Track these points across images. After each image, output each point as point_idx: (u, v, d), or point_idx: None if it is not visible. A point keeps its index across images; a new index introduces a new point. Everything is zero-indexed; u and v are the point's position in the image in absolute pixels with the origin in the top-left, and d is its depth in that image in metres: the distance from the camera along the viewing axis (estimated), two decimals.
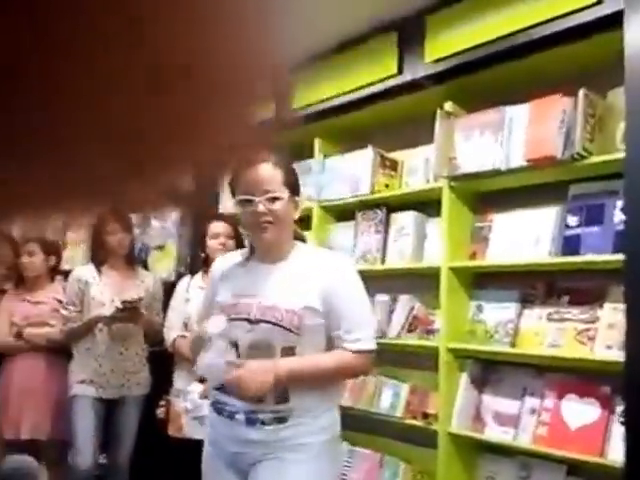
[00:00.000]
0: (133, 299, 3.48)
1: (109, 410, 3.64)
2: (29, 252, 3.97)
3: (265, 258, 2.04)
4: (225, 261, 2.18)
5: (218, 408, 2.03)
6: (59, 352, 3.79)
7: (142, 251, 4.80)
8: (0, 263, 4.24)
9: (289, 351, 1.93)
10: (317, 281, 1.95)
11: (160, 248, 4.87)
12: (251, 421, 1.93)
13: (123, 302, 3.46)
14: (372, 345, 2.00)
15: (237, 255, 2.16)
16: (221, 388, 2.02)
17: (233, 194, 2.04)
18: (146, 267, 4.57)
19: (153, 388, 3.71)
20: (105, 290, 3.61)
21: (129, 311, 3.47)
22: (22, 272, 3.98)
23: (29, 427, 3.72)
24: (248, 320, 1.95)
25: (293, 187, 2.02)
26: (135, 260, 3.93)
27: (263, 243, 2.02)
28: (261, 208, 1.95)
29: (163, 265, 4.75)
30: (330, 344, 1.99)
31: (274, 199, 1.95)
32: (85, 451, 3.52)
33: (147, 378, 3.72)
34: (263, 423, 1.92)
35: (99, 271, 3.68)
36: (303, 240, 2.18)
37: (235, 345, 1.97)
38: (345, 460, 3.43)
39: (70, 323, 3.61)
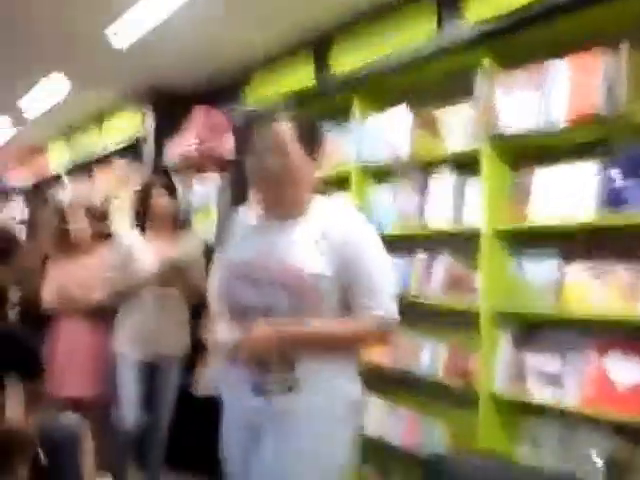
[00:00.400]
0: (177, 260, 3.52)
1: (151, 370, 3.72)
2: (76, 217, 4.06)
3: (279, 216, 1.96)
4: (242, 218, 2.10)
5: (227, 377, 1.98)
6: (104, 314, 3.87)
7: (185, 214, 4.84)
8: (48, 229, 4.34)
9: (297, 316, 1.83)
10: (333, 243, 1.86)
11: (202, 212, 4.94)
12: (258, 390, 1.87)
13: (167, 261, 3.51)
14: (391, 313, 1.89)
15: (254, 212, 2.07)
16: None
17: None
18: (189, 230, 4.62)
19: (194, 349, 3.73)
20: (150, 254, 3.68)
21: (173, 272, 3.52)
22: (69, 237, 4.06)
23: (74, 386, 3.83)
24: (256, 281, 1.88)
25: (309, 143, 1.95)
26: (179, 224, 3.97)
27: (273, 200, 1.96)
28: (275, 167, 1.90)
29: (205, 229, 4.79)
30: (344, 311, 1.89)
31: (283, 155, 1.90)
32: (128, 410, 3.64)
33: (188, 339, 3.77)
34: (270, 392, 1.85)
35: (144, 235, 3.75)
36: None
37: (243, 308, 1.90)
38: (385, 419, 3.44)
39: (115, 286, 3.68)
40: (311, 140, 1.96)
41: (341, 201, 2.10)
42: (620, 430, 2.58)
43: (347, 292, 1.87)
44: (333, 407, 1.88)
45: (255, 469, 1.90)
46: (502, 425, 2.94)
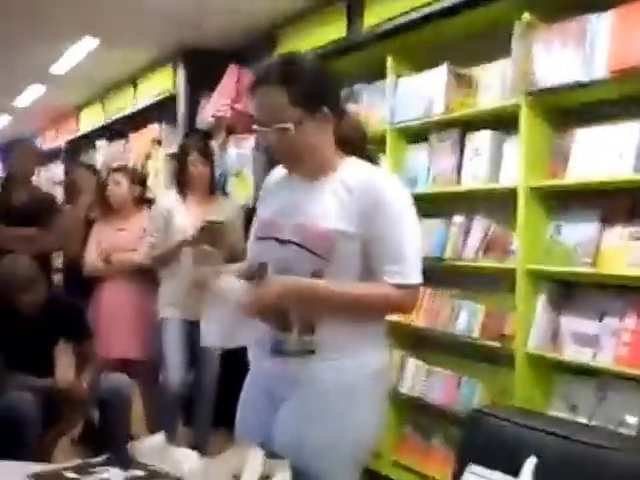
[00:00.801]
0: (215, 221, 3.55)
1: (195, 331, 3.72)
2: (115, 181, 4.09)
3: (305, 176, 1.81)
4: (272, 176, 1.98)
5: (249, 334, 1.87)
6: (146, 277, 3.95)
7: (221, 178, 4.85)
8: (86, 192, 4.38)
9: (317, 277, 1.72)
10: (358, 202, 1.71)
11: (237, 175, 4.92)
12: (277, 351, 1.76)
13: (205, 222, 3.53)
14: (415, 279, 1.73)
15: (281, 169, 1.93)
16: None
17: None
18: (225, 193, 4.64)
19: None
20: (188, 217, 3.72)
21: (211, 233, 3.52)
22: (109, 201, 4.10)
23: (120, 347, 3.92)
24: (278, 240, 1.77)
25: (310, 100, 1.71)
26: (215, 188, 4.01)
27: (290, 167, 1.84)
28: (272, 141, 1.74)
29: (241, 191, 4.79)
30: (367, 275, 1.75)
31: (277, 129, 1.70)
32: (174, 370, 3.70)
33: None
34: (288, 355, 1.74)
35: (182, 199, 3.79)
36: (371, 160, 1.87)
37: (264, 266, 1.78)
38: (423, 380, 3.46)
39: (155, 249, 3.73)
40: (314, 94, 1.73)
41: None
42: None
43: (371, 254, 1.73)
44: (357, 376, 1.75)
45: (274, 439, 1.78)
46: (538, 384, 2.93)
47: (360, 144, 1.87)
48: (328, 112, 1.75)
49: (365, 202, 1.71)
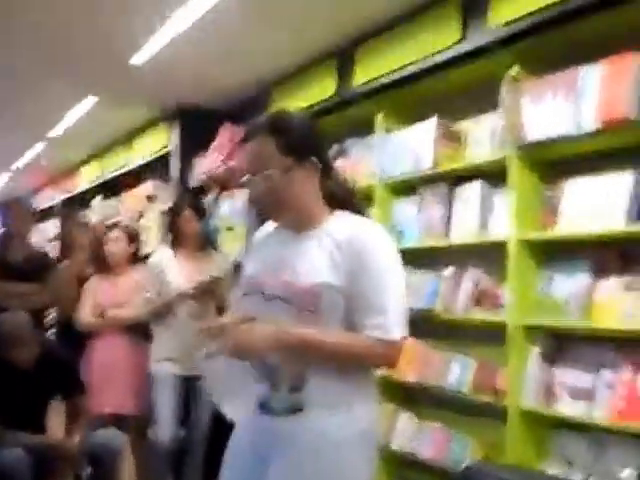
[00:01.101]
0: (217, 277, 3.61)
1: (187, 387, 3.75)
2: (114, 238, 4.12)
3: (292, 229, 1.80)
4: (261, 232, 1.96)
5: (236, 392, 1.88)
6: (140, 332, 3.94)
7: (214, 232, 4.82)
8: (82, 248, 4.34)
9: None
10: (345, 256, 1.68)
11: (230, 229, 4.92)
12: (264, 409, 1.75)
13: (199, 283, 3.59)
14: (396, 334, 1.67)
15: (273, 226, 1.92)
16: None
17: None
18: (217, 248, 4.59)
19: None
20: (181, 273, 3.74)
21: (209, 289, 3.60)
22: (106, 257, 4.11)
23: (113, 402, 3.88)
24: (264, 295, 1.75)
25: (297, 149, 1.73)
26: (207, 243, 4.02)
27: (277, 218, 1.84)
28: (259, 190, 1.74)
29: (233, 246, 4.76)
30: (349, 328, 1.71)
31: (263, 177, 1.71)
32: (165, 426, 3.66)
33: None
34: (276, 413, 1.72)
35: (175, 255, 3.81)
36: (360, 212, 1.84)
37: (253, 320, 1.73)
38: (414, 435, 3.34)
39: (150, 304, 3.74)
40: (302, 144, 1.75)
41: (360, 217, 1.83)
42: None
43: (353, 307, 1.69)
44: (345, 433, 1.69)
45: None
46: (531, 440, 2.83)
47: (348, 200, 1.86)
48: (315, 162, 1.76)
49: (352, 256, 1.68)
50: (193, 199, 4.33)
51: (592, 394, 2.60)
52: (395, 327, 1.67)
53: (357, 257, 1.67)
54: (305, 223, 1.77)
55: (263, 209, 1.82)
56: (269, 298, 1.73)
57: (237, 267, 3.90)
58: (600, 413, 2.55)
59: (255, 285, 1.79)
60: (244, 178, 1.77)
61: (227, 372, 1.84)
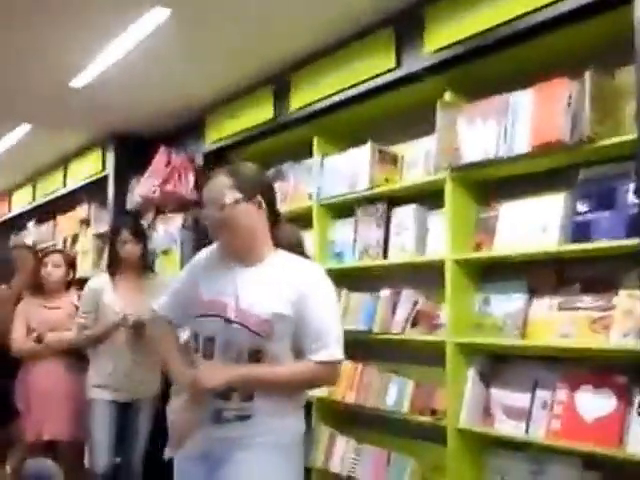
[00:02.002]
0: (142, 319, 3.36)
1: (123, 412, 3.59)
2: (54, 263, 3.92)
3: (240, 260, 1.99)
4: (206, 254, 2.11)
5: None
6: (77, 357, 3.75)
7: (150, 256, 4.60)
8: (24, 272, 4.12)
9: (256, 353, 1.90)
10: (289, 288, 1.91)
11: (165, 253, 4.77)
12: (216, 419, 1.92)
13: (134, 322, 3.42)
14: (337, 356, 1.92)
15: (216, 250, 2.08)
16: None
17: None
18: (153, 271, 4.38)
19: (164, 388, 3.54)
20: (118, 298, 3.58)
21: (139, 325, 3.40)
22: (42, 281, 3.91)
23: (51, 429, 3.69)
24: (223, 318, 1.92)
25: (248, 188, 1.95)
26: (146, 267, 3.84)
27: (227, 247, 2.00)
28: (212, 219, 1.95)
29: (169, 269, 4.61)
30: (297, 351, 1.95)
31: (218, 208, 1.92)
32: (100, 452, 3.48)
33: (158, 381, 3.62)
34: (227, 421, 1.91)
35: (114, 279, 3.64)
36: (304, 256, 2.12)
37: (212, 339, 1.94)
38: (352, 457, 3.18)
39: (86, 330, 3.57)
40: (253, 184, 1.97)
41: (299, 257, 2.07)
42: (590, 463, 2.40)
43: (299, 335, 1.92)
44: (285, 436, 1.96)
45: None
46: (470, 460, 2.75)
47: (293, 243, 2.12)
48: (262, 201, 1.97)
49: (296, 289, 1.91)
50: (133, 221, 4.12)
51: (529, 413, 2.53)
52: (336, 350, 1.92)
53: (300, 290, 1.90)
54: (252, 255, 1.97)
55: (216, 236, 2.00)
56: (228, 321, 1.91)
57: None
58: (537, 432, 2.49)
59: (213, 308, 1.95)
60: (201, 211, 1.98)
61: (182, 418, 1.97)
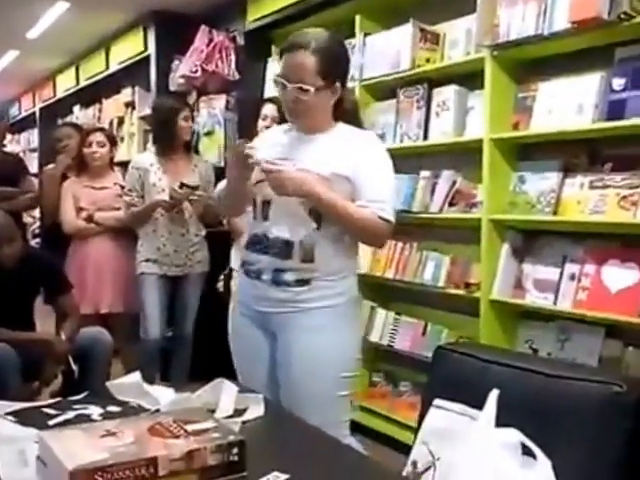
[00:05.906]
0: (189, 185, 3.56)
1: (173, 287, 3.80)
2: (98, 142, 4.01)
3: (304, 131, 2.08)
4: (271, 132, 2.28)
5: (247, 270, 2.10)
6: (126, 234, 3.92)
7: (193, 138, 4.78)
8: (70, 152, 4.26)
9: (315, 212, 1.98)
10: (348, 153, 1.99)
11: (209, 134, 4.87)
12: (276, 281, 2.01)
13: (181, 185, 3.54)
14: (393, 217, 2.00)
15: (282, 127, 2.20)
16: (250, 247, 2.08)
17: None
18: (198, 153, 4.58)
19: (212, 265, 3.85)
20: (163, 176, 3.70)
21: (186, 194, 3.56)
22: (87, 161, 4.02)
23: (107, 302, 3.92)
24: None
25: (330, 74, 1.97)
26: (191, 147, 3.97)
27: (293, 120, 2.08)
28: (290, 96, 1.98)
29: (212, 150, 4.75)
30: None
31: (300, 90, 1.95)
32: (153, 324, 3.72)
33: (206, 256, 3.86)
34: (287, 284, 2.00)
35: (160, 159, 3.74)
36: (360, 126, 2.16)
37: (268, 202, 2.03)
38: (391, 329, 3.49)
39: (133, 208, 3.73)
40: (335, 71, 2.00)
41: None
42: (612, 331, 2.63)
43: (358, 195, 1.98)
44: (340, 303, 2.03)
45: (270, 366, 2.08)
46: (501, 330, 2.98)
47: (354, 114, 2.17)
48: (339, 88, 2.02)
49: (355, 155, 1.99)
50: (185, 101, 4.19)
51: (557, 286, 2.74)
52: (391, 211, 2.00)
53: (359, 156, 1.99)
54: (316, 129, 2.05)
55: (289, 112, 2.05)
56: None
57: (217, 171, 3.92)
58: (564, 303, 2.70)
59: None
60: (279, 80, 1.98)
61: None
